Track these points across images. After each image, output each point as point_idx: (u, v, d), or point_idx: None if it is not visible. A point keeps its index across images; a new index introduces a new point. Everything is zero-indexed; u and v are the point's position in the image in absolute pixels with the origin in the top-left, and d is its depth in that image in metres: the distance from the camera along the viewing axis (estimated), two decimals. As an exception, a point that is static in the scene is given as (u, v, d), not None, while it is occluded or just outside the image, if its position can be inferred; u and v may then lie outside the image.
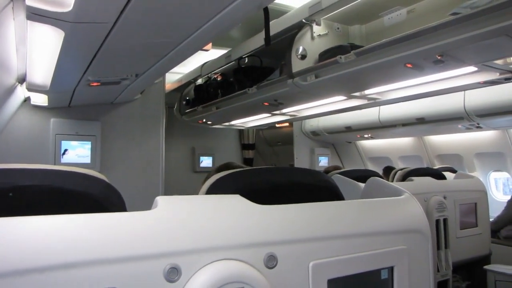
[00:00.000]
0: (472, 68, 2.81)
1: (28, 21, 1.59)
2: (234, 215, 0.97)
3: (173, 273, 0.85)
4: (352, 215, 1.16)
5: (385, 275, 1.17)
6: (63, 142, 3.62)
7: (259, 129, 7.64)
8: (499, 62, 2.72)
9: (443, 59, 2.55)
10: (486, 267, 3.14)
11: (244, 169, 1.37)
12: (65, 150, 3.62)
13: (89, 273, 0.78)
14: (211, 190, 1.18)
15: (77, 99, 3.26)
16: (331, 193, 1.34)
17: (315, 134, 6.99)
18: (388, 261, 1.16)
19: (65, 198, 1.01)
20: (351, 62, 2.87)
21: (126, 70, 2.38)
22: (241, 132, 7.89)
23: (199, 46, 2.03)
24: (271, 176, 1.33)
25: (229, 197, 1.03)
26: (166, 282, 0.84)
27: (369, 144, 7.16)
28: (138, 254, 0.83)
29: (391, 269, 1.17)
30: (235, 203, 1.01)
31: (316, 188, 1.34)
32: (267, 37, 2.18)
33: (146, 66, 2.29)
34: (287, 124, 7.03)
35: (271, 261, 0.96)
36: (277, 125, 7.05)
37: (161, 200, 0.94)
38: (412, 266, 1.21)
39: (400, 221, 1.24)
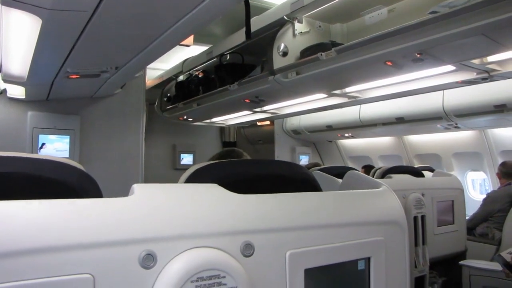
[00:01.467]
0: (450, 67, 2.86)
1: (3, 7, 1.55)
2: (211, 203, 0.97)
3: (148, 260, 0.84)
4: (329, 206, 1.16)
5: (362, 266, 1.17)
6: (40, 136, 3.55)
7: (240, 127, 7.64)
8: (476, 61, 2.77)
9: (422, 58, 2.58)
10: (461, 262, 3.19)
11: (223, 160, 1.37)
12: (43, 144, 3.55)
13: (63, 258, 0.76)
14: (190, 181, 1.18)
15: (56, 92, 3.20)
16: (310, 186, 1.34)
17: (296, 132, 7.02)
18: (365, 252, 1.17)
19: (40, 185, 0.99)
20: (332, 59, 2.89)
21: (106, 62, 2.35)
22: (222, 130, 7.87)
23: (179, 39, 2.02)
24: (250, 167, 1.33)
25: (206, 186, 1.02)
26: (142, 268, 0.83)
27: (350, 143, 7.21)
28: (113, 240, 0.82)
29: (368, 260, 1.18)
30: (212, 191, 1.01)
31: (294, 180, 1.34)
32: (248, 31, 2.18)
33: (126, 58, 2.26)
34: (268, 122, 7.05)
35: (248, 250, 0.96)
36: (258, 123, 7.06)
37: (137, 187, 0.93)
38: (388, 257, 1.22)
39: (378, 212, 1.25)
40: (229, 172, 1.25)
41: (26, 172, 0.99)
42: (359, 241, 1.16)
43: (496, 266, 2.67)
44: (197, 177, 1.18)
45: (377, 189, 1.33)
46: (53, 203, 0.81)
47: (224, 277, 0.88)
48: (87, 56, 2.18)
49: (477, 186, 6.11)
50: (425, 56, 2.55)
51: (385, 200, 1.31)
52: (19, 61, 2.32)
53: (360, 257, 1.16)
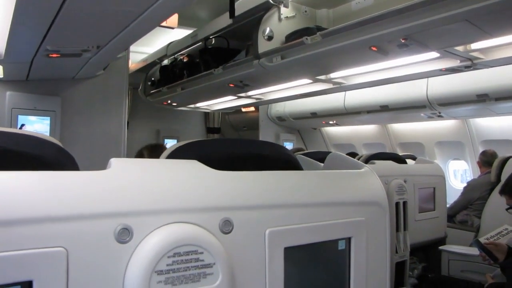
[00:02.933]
0: (435, 54, 2.87)
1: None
2: (189, 179, 0.95)
3: (124, 234, 0.82)
4: (310, 185, 1.15)
5: (343, 246, 1.17)
6: (20, 116, 3.48)
7: (225, 113, 7.61)
8: (460, 48, 2.78)
9: (407, 43, 2.58)
10: (440, 247, 3.24)
11: (204, 139, 1.34)
12: (22, 125, 3.48)
13: (35, 231, 0.74)
14: (170, 158, 1.16)
15: (36, 72, 3.13)
16: (291, 167, 1.33)
17: (281, 119, 7.01)
18: (346, 232, 1.17)
19: (16, 160, 0.96)
20: (317, 44, 2.87)
21: (87, 40, 2.29)
22: (206, 116, 7.84)
23: (162, 17, 1.98)
24: (231, 146, 1.31)
25: (186, 162, 1.00)
26: (117, 243, 0.81)
27: (334, 130, 7.24)
28: (87, 213, 0.79)
29: (348, 240, 1.17)
30: (192, 167, 0.99)
31: (276, 161, 1.32)
32: (232, 10, 2.14)
33: (107, 37, 2.21)
34: (253, 108, 7.03)
35: (226, 226, 0.94)
36: (243, 110, 7.04)
37: (115, 161, 0.90)
38: (369, 238, 1.21)
39: (359, 193, 1.25)
40: (210, 150, 1.23)
41: (3, 146, 0.96)
42: (340, 221, 1.15)
43: (474, 251, 2.71)
44: (178, 155, 1.16)
45: (359, 170, 1.33)
46: (26, 174, 0.79)
47: (201, 253, 0.87)
48: (67, 33, 2.13)
49: (458, 175, 6.19)
50: (410, 41, 2.55)
51: (366, 181, 1.30)
52: (-4, 37, 2.26)
53: (340, 237, 1.16)
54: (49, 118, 3.57)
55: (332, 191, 1.19)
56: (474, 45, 2.76)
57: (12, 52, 2.44)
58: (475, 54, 2.86)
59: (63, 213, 0.77)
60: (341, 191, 1.21)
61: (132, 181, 0.88)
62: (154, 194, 0.88)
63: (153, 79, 5.40)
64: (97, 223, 0.80)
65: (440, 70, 3.24)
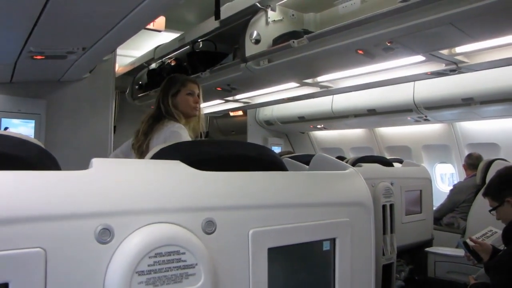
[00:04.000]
0: (420, 58, 2.90)
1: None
2: (172, 179, 0.94)
3: (105, 234, 0.81)
4: (294, 185, 1.15)
5: (327, 247, 1.17)
6: (3, 119, 3.43)
7: (213, 117, 7.59)
8: (445, 52, 2.81)
9: (392, 46, 2.60)
10: (427, 249, 3.26)
11: (189, 140, 1.34)
12: (6, 128, 3.43)
13: (12, 231, 0.72)
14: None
15: (20, 74, 3.09)
16: (276, 168, 1.32)
17: (268, 123, 7.01)
18: (330, 232, 1.16)
19: (-3, 161, 0.94)
20: (304, 47, 2.89)
21: (72, 42, 2.27)
22: (195, 119, 7.80)
23: (148, 18, 1.97)
24: (215, 147, 1.30)
25: (168, 162, 1.00)
26: (98, 243, 0.80)
27: (322, 134, 7.26)
28: (66, 213, 0.78)
29: (333, 241, 1.17)
30: (174, 167, 0.98)
31: (261, 162, 1.32)
32: (217, 10, 2.15)
33: (93, 39, 2.20)
34: (241, 113, 7.02)
35: (209, 227, 0.93)
36: (231, 114, 7.03)
37: (96, 161, 0.89)
38: (354, 238, 1.21)
39: (344, 193, 1.25)
40: (194, 151, 1.22)
41: None
42: (324, 221, 1.15)
43: (460, 252, 2.73)
44: (162, 157, 1.15)
45: (343, 171, 1.33)
46: (2, 173, 0.77)
47: (184, 253, 0.86)
48: (51, 35, 2.10)
49: (445, 179, 6.24)
50: (396, 45, 2.57)
51: (351, 182, 1.30)
52: (-22, 38, 2.23)
53: (325, 237, 1.15)
54: (33, 121, 3.52)
55: (316, 191, 1.19)
56: (459, 49, 2.79)
57: (-5, 53, 2.42)
58: (459, 57, 2.89)
59: (42, 213, 0.76)
60: (325, 192, 1.21)
61: (114, 180, 0.87)
62: (136, 194, 0.87)
63: (140, 82, 5.38)
64: (77, 223, 0.79)
65: (426, 73, 3.27)
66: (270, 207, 1.05)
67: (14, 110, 3.49)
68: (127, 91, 5.62)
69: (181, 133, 2.19)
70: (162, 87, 2.53)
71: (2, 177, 0.77)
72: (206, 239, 0.92)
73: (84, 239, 0.79)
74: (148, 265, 0.82)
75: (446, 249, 3.24)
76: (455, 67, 3.01)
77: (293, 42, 2.90)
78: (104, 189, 0.84)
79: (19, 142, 1.01)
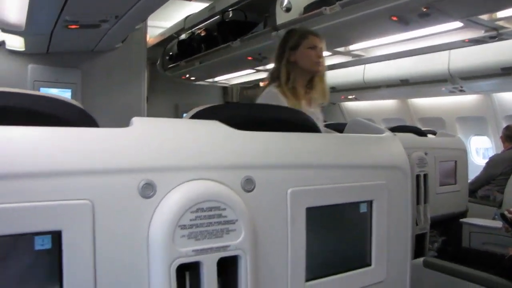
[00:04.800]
0: (458, 24, 2.79)
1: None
2: (212, 137, 0.95)
3: (147, 189, 0.83)
4: (332, 147, 1.15)
5: (364, 209, 1.16)
6: (41, 89, 3.52)
7: (243, 88, 7.58)
8: (485, 17, 2.69)
9: (429, 12, 2.51)
10: (462, 220, 3.21)
11: (224, 103, 1.34)
12: (45, 94, 3.52)
13: (62, 183, 0.76)
14: None
15: (56, 44, 3.15)
16: (311, 131, 1.32)
17: (299, 94, 6.95)
18: (367, 194, 1.16)
19: (39, 121, 0.97)
20: (336, 14, 2.82)
21: (105, 10, 2.29)
22: (225, 90, 7.81)
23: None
24: (252, 110, 1.31)
25: (207, 122, 1.01)
26: (141, 197, 0.82)
27: (353, 106, 7.17)
28: (111, 167, 0.81)
29: (370, 203, 1.16)
30: (214, 127, 0.99)
31: (297, 126, 1.31)
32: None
33: (125, 6, 2.21)
34: (271, 83, 6.97)
35: (248, 185, 0.94)
36: (261, 85, 6.99)
37: (137, 119, 0.91)
38: (391, 202, 1.20)
39: (381, 157, 1.24)
40: (231, 113, 1.23)
41: (25, 106, 0.97)
42: (361, 183, 1.15)
43: (497, 223, 2.68)
44: (198, 118, 1.16)
45: (381, 135, 1.31)
46: (54, 130, 0.81)
47: (224, 209, 0.87)
48: (85, 3, 2.13)
49: (480, 153, 6.10)
50: (432, 10, 2.48)
51: (388, 145, 1.29)
52: (16, 8, 2.27)
53: (362, 199, 1.15)
54: (70, 90, 3.60)
55: (353, 154, 1.18)
56: (500, 14, 2.67)
57: (32, 23, 2.46)
58: (500, 23, 2.77)
59: (89, 167, 0.79)
60: (362, 154, 1.20)
61: (155, 138, 0.88)
62: (177, 151, 0.89)
63: (171, 53, 5.41)
64: (121, 177, 0.81)
65: (463, 41, 3.16)
66: (308, 167, 1.05)
67: (52, 79, 3.57)
68: (158, 62, 5.66)
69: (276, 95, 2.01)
70: (279, 43, 2.24)
71: (52, 133, 0.80)
72: (245, 197, 0.93)
73: (128, 193, 0.81)
74: (190, 220, 0.84)
75: (482, 220, 3.19)
76: (495, 34, 2.89)
77: (325, 9, 2.84)
78: (146, 146, 0.86)
79: (62, 104, 1.04)
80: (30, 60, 3.56)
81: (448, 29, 2.97)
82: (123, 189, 0.81)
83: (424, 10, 2.50)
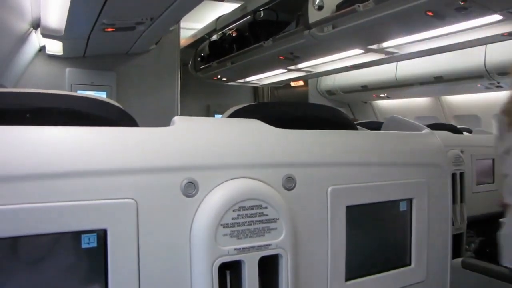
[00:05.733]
0: (497, 17, 2.71)
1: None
2: (252, 136, 0.96)
3: (190, 188, 0.84)
4: (372, 144, 1.14)
5: (404, 207, 1.15)
6: (79, 91, 3.61)
7: (274, 87, 7.57)
8: (526, 8, 2.61)
9: (466, 5, 2.44)
10: (501, 220, 3.12)
11: (263, 102, 1.34)
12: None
13: (107, 182, 0.78)
14: None
15: (92, 48, 3.23)
16: (349, 130, 1.31)
17: (330, 93, 6.90)
18: (407, 192, 1.15)
19: (81, 121, 1.00)
20: (370, 11, 2.78)
21: (141, 12, 2.34)
22: (256, 90, 7.81)
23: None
24: (290, 109, 1.31)
25: (247, 120, 1.01)
26: (184, 196, 0.84)
27: (385, 104, 7.06)
28: (155, 166, 0.82)
29: (410, 201, 1.15)
30: (254, 125, 1.00)
31: (335, 124, 1.31)
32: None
33: (161, 8, 2.25)
34: (302, 83, 6.95)
35: (289, 183, 0.94)
36: (292, 85, 6.98)
37: (178, 119, 0.92)
38: (430, 200, 1.19)
39: (420, 154, 1.22)
40: (270, 111, 1.23)
41: (69, 107, 1.00)
42: (401, 181, 1.13)
43: (539, 223, 2.59)
44: (237, 117, 1.17)
45: (420, 132, 1.29)
46: (98, 129, 0.83)
47: (266, 207, 0.88)
48: (122, 6, 2.18)
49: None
50: (470, 3, 2.41)
51: (427, 143, 1.27)
52: (56, 14, 2.34)
53: (402, 197, 1.14)
54: (105, 92, 3.69)
55: (393, 151, 1.17)
56: (542, 4, 2.57)
57: (71, 28, 2.53)
58: (542, 14, 2.68)
59: (133, 166, 0.80)
60: (401, 152, 1.19)
61: (196, 137, 0.90)
62: (218, 149, 0.90)
63: (202, 54, 5.44)
64: (164, 176, 0.83)
65: (502, 35, 3.05)
66: (348, 165, 1.04)
67: (88, 82, 3.67)
68: (190, 63, 5.71)
69: None
70: None
71: (96, 133, 0.81)
72: (286, 195, 0.93)
73: (171, 191, 0.83)
74: (232, 218, 0.85)
75: None
76: (537, 26, 2.80)
77: (358, 6, 2.79)
78: (188, 145, 0.87)
79: (100, 103, 1.06)
80: (68, 64, 3.67)
81: (486, 23, 2.89)
82: (166, 188, 0.82)
83: (462, 3, 2.43)
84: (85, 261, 0.79)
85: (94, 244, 0.77)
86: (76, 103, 1.02)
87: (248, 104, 1.25)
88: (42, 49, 3.53)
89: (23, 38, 2.89)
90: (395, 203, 1.13)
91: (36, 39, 3.25)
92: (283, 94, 7.90)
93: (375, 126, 2.81)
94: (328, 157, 1.02)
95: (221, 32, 4.89)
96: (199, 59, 5.50)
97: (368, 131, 1.23)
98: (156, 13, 2.33)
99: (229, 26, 4.67)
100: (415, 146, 1.23)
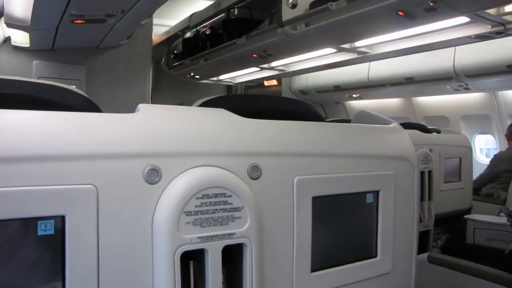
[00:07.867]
0: (464, 19, 2.77)
1: None
2: (218, 124, 0.95)
3: (153, 175, 0.82)
4: (339, 136, 1.14)
5: (370, 199, 1.16)
6: (45, 82, 3.51)
7: (247, 87, 7.56)
8: (492, 12, 2.67)
9: (435, 6, 2.49)
10: (466, 216, 3.20)
11: (231, 94, 1.33)
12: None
13: (66, 167, 0.75)
14: None
15: (61, 40, 3.14)
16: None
17: (303, 93, 6.94)
18: (374, 184, 1.15)
19: (44, 108, 0.97)
20: (343, 9, 2.80)
21: (111, 4, 2.28)
22: (229, 89, 7.79)
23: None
24: (258, 102, 1.30)
25: (214, 109, 1.00)
26: (146, 183, 0.82)
27: (357, 104, 7.15)
28: (116, 152, 0.80)
29: (376, 194, 1.16)
30: (220, 114, 0.98)
31: (303, 117, 1.30)
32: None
33: (132, 1, 2.20)
34: (275, 82, 6.97)
35: (255, 172, 0.94)
36: (265, 84, 6.98)
37: (143, 106, 0.90)
38: (398, 193, 1.20)
39: (388, 147, 1.23)
40: (238, 103, 1.22)
41: (32, 94, 0.97)
42: (368, 173, 1.14)
43: (501, 219, 2.66)
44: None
45: (388, 125, 1.30)
46: (58, 114, 0.80)
47: (230, 196, 0.87)
48: (92, -3, 2.13)
49: (484, 150, 6.08)
50: (439, 4, 2.45)
51: (395, 136, 1.28)
52: (22, 2, 2.27)
53: (368, 189, 1.15)
54: (74, 86, 3.59)
55: (360, 143, 1.17)
56: (508, 8, 2.64)
57: (38, 18, 2.45)
58: (508, 18, 2.74)
59: (93, 152, 0.78)
60: (369, 144, 1.19)
61: (161, 124, 0.88)
62: (183, 137, 0.88)
63: (175, 51, 5.39)
64: (126, 162, 0.81)
65: (469, 37, 3.12)
66: (315, 155, 1.04)
67: (56, 76, 3.57)
68: (163, 61, 5.65)
69: None
70: None
71: (56, 117, 0.79)
72: (251, 184, 0.92)
73: (133, 178, 0.81)
74: (196, 206, 0.84)
75: (486, 216, 3.17)
76: (502, 29, 2.86)
77: (331, 4, 2.81)
78: (151, 131, 0.85)
79: (65, 91, 1.04)
80: (35, 57, 3.56)
81: (454, 25, 2.95)
82: (128, 174, 0.80)
83: (431, 4, 2.47)
84: (41, 249, 0.76)
85: (52, 231, 0.74)
86: (38, 90, 0.99)
87: (216, 96, 1.24)
88: (7, 40, 3.41)
89: (-14, 28, 2.80)
90: (361, 195, 1.14)
91: (0, 29, 3.15)
92: (257, 93, 7.91)
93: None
94: (295, 147, 1.01)
95: (195, 29, 4.85)
96: (172, 56, 5.45)
97: (336, 123, 1.23)
98: (127, 5, 2.28)
99: (202, 23, 4.64)
100: (383, 139, 1.24)
